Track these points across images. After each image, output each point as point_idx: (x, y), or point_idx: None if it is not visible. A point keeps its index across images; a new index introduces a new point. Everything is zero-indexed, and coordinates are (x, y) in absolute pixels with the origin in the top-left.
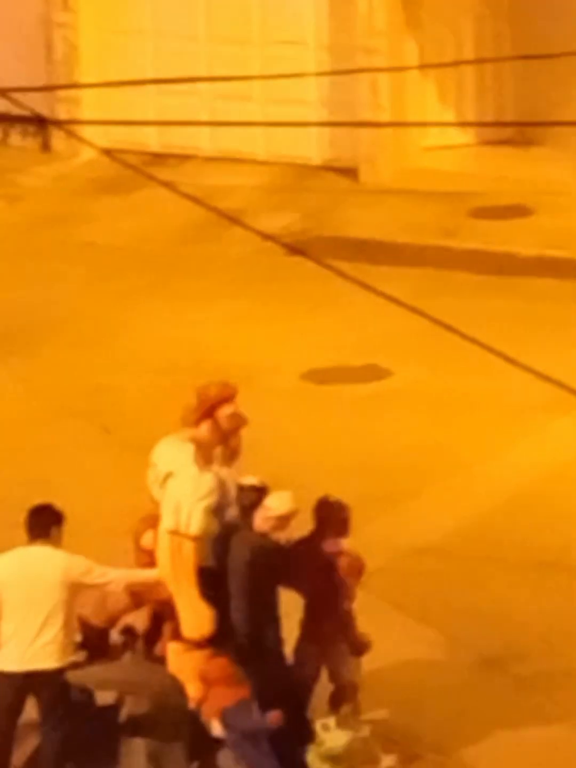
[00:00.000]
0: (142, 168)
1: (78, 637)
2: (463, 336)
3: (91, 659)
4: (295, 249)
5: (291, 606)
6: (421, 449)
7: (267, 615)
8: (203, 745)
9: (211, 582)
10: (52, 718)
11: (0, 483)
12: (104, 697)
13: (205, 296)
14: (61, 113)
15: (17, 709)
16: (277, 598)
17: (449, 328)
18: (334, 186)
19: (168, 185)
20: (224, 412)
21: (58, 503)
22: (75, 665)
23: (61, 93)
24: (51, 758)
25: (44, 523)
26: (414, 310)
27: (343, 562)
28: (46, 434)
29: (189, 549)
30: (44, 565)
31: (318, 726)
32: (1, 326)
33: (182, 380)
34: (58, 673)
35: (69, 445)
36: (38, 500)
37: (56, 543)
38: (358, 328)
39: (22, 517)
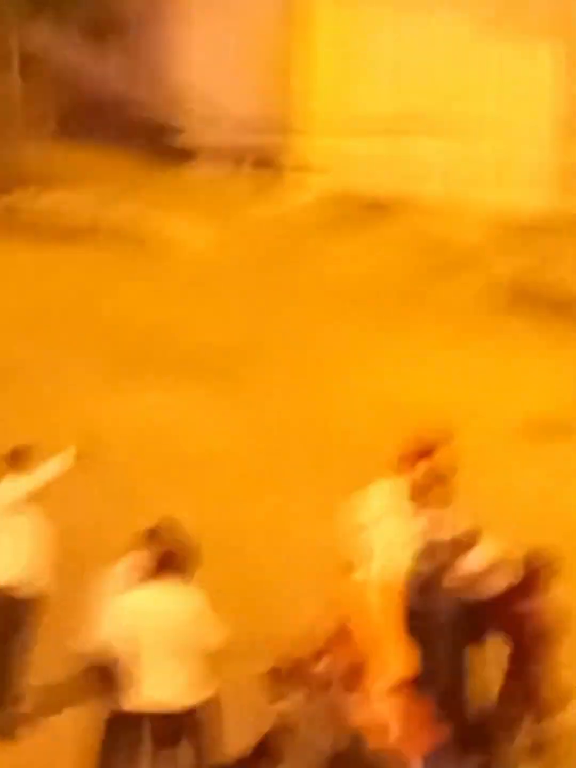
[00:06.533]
0: (370, 210)
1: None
2: None
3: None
4: (518, 296)
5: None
6: None
7: (461, 661)
8: None
9: (415, 624)
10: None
11: (209, 501)
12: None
13: (428, 339)
14: (293, 151)
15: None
16: (467, 646)
17: None
18: (560, 234)
19: (394, 229)
20: (438, 457)
21: (263, 538)
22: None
23: (294, 129)
24: None
25: (176, 559)
26: None
27: (530, 626)
28: (258, 462)
29: (397, 592)
30: (177, 602)
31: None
32: (225, 360)
33: (395, 420)
34: (195, 710)
35: (282, 476)
36: (250, 537)
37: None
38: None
39: (236, 551)
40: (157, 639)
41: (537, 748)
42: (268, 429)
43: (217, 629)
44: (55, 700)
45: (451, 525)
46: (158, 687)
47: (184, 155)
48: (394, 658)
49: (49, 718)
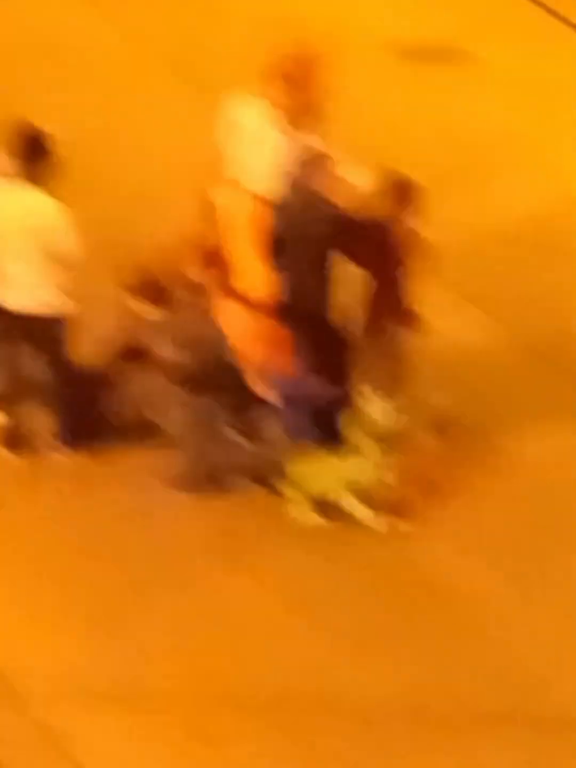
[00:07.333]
0: None
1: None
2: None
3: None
4: None
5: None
6: (501, 134)
7: (323, 281)
8: (244, 404)
9: (276, 246)
10: (48, 366)
11: (76, 108)
12: (160, 349)
13: None
14: None
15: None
16: (330, 265)
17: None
18: None
19: None
20: (308, 75)
21: (131, 134)
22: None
23: None
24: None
25: (36, 163)
26: None
27: (400, 231)
28: (130, 72)
29: (260, 211)
30: (33, 208)
31: (360, 397)
32: None
33: (269, 37)
34: (44, 321)
35: (152, 87)
36: (115, 128)
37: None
38: (452, 7)
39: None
40: (9, 244)
41: (391, 381)
42: (141, 39)
43: (74, 241)
44: None
45: (316, 148)
46: (11, 290)
47: None
48: (250, 278)
49: None
